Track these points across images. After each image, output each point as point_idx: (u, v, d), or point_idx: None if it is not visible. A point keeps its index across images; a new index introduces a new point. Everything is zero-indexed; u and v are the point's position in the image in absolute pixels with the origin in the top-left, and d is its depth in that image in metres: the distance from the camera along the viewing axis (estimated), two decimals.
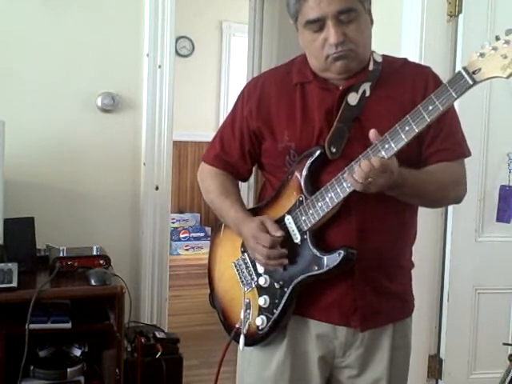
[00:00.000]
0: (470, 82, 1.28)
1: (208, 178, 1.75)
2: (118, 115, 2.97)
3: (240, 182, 1.79)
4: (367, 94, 1.51)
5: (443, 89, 1.31)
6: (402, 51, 2.80)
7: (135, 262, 3.04)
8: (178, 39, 5.77)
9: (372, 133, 1.36)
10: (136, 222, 3.04)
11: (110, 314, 2.49)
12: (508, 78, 1.26)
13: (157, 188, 3.03)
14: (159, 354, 2.72)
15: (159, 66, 3.00)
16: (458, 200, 1.64)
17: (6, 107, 2.76)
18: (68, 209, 2.91)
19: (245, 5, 4.43)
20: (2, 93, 2.80)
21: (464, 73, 1.28)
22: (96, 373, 2.53)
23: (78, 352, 2.50)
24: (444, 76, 2.60)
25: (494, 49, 1.25)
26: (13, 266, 2.42)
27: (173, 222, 5.79)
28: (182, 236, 6.07)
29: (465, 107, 2.81)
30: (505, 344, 2.56)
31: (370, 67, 1.54)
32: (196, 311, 4.22)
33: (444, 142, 1.54)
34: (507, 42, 1.23)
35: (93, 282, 2.45)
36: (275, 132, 1.58)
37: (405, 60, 1.66)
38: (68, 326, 2.39)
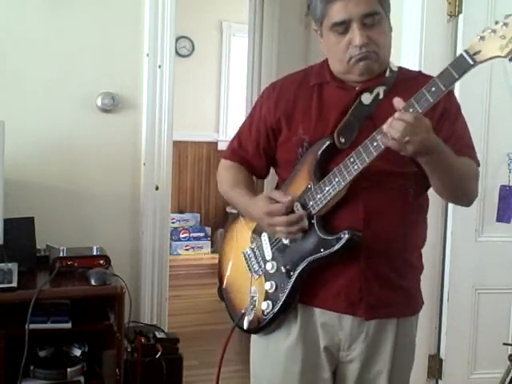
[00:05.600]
0: (471, 62, 1.34)
1: (223, 171, 1.81)
2: (118, 115, 2.97)
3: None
4: (381, 96, 1.57)
5: (446, 71, 1.36)
6: (402, 51, 2.80)
7: (135, 262, 3.05)
8: (178, 39, 5.77)
9: (396, 101, 1.40)
10: (136, 222, 3.04)
11: (110, 314, 2.49)
12: (507, 56, 1.32)
13: (157, 188, 3.03)
14: (159, 354, 2.72)
15: (159, 66, 3.00)
16: (471, 199, 1.63)
17: (6, 107, 2.76)
18: (68, 209, 2.92)
19: (245, 5, 4.43)
20: (2, 93, 2.80)
21: (465, 54, 1.35)
22: (96, 373, 2.53)
23: (78, 352, 2.50)
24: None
25: (493, 31, 1.32)
26: (13, 266, 2.43)
27: (173, 222, 5.79)
28: (182, 236, 6.07)
29: (465, 107, 2.81)
30: (505, 344, 2.56)
31: (387, 74, 1.60)
32: (196, 311, 4.23)
33: (457, 144, 1.56)
34: (505, 24, 1.30)
35: (93, 282, 2.45)
36: (291, 125, 1.64)
37: (419, 72, 1.73)
38: (68, 325, 2.39)
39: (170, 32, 3.01)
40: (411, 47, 2.81)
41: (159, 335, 2.84)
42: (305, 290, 1.58)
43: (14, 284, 2.32)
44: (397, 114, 1.37)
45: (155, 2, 2.97)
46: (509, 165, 2.82)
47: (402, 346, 1.64)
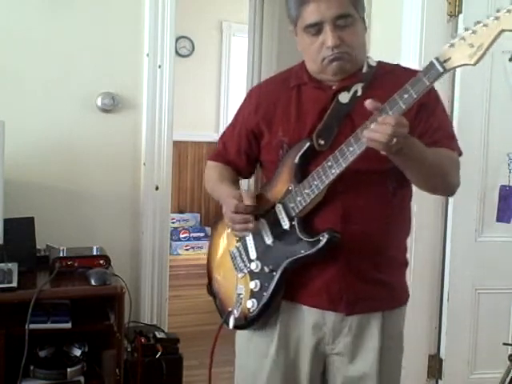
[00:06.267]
0: (441, 70, 1.36)
1: (209, 171, 1.86)
2: (118, 115, 2.97)
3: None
4: (359, 93, 1.60)
5: (417, 77, 1.38)
6: (402, 51, 2.80)
7: (135, 262, 3.05)
8: (178, 39, 5.77)
9: (368, 103, 1.41)
10: (136, 222, 3.04)
11: (110, 314, 2.49)
12: (475, 64, 1.33)
13: (157, 188, 3.03)
14: (159, 353, 2.72)
15: (159, 66, 3.00)
16: (453, 187, 1.64)
17: (6, 107, 2.76)
18: (68, 209, 2.92)
19: (245, 5, 4.43)
20: (2, 93, 2.80)
21: (435, 62, 1.36)
22: (96, 373, 2.53)
23: (78, 352, 2.50)
24: (443, 76, 2.59)
25: (463, 39, 1.33)
26: (13, 266, 2.43)
27: (173, 222, 5.79)
28: (181, 236, 6.07)
29: (465, 107, 2.81)
30: (505, 344, 2.56)
31: (364, 70, 1.63)
32: (196, 311, 4.22)
33: (433, 136, 1.59)
34: (474, 32, 1.32)
35: (93, 282, 2.45)
36: (272, 128, 1.68)
37: (397, 65, 1.74)
38: (68, 326, 2.39)
39: (170, 32, 3.01)
40: (411, 47, 2.81)
41: (159, 335, 2.83)
42: (290, 287, 1.63)
43: (14, 284, 2.32)
44: (379, 119, 1.38)
45: (155, 2, 2.97)
46: (509, 165, 2.82)
47: (389, 338, 1.67)
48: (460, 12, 2.77)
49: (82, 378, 2.46)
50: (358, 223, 1.58)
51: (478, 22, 1.32)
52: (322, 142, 1.57)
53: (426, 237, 2.89)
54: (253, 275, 1.66)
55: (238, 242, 1.72)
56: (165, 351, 2.74)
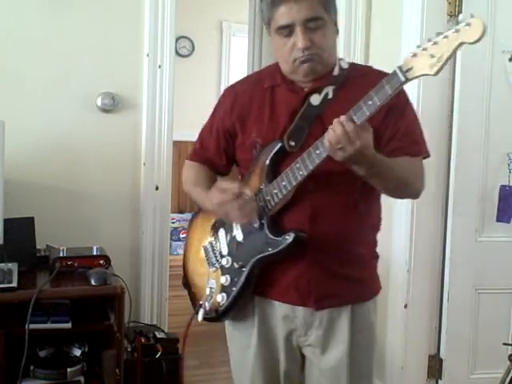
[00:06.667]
0: (403, 79, 1.40)
1: (186, 171, 1.92)
2: (118, 115, 2.97)
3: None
4: (330, 96, 1.64)
5: (381, 85, 1.42)
6: (402, 51, 2.80)
7: (135, 262, 3.05)
8: (178, 39, 5.76)
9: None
10: (136, 222, 3.04)
11: (110, 314, 2.49)
12: (435, 75, 1.36)
13: (157, 188, 3.03)
14: (159, 353, 2.72)
15: (159, 66, 3.00)
16: (416, 193, 1.70)
17: (6, 107, 2.76)
18: (68, 209, 2.92)
19: (245, 5, 4.42)
20: (2, 93, 2.80)
21: (398, 71, 1.40)
22: (96, 373, 2.53)
23: (78, 352, 2.50)
24: (443, 76, 2.62)
25: (424, 49, 1.37)
26: (13, 266, 2.43)
27: (173, 222, 5.77)
28: (182, 236, 6.05)
29: (465, 107, 2.81)
30: (505, 344, 2.55)
31: (336, 72, 1.67)
32: None
33: (401, 141, 1.64)
34: (435, 43, 1.36)
35: (93, 282, 2.45)
36: (246, 128, 1.73)
37: (370, 67, 1.79)
38: (68, 326, 2.39)
39: (170, 32, 3.01)
40: (411, 47, 2.79)
41: (159, 335, 2.83)
42: (262, 283, 1.69)
43: (14, 284, 2.32)
44: (341, 118, 1.43)
45: (155, 2, 2.97)
46: (509, 165, 2.82)
47: (360, 330, 1.71)
48: (460, 12, 2.77)
49: (81, 378, 2.46)
50: (325, 222, 1.63)
51: (439, 34, 1.35)
52: (293, 144, 1.62)
53: (426, 237, 2.89)
54: (224, 270, 1.72)
55: (211, 237, 1.79)
56: (165, 351, 2.75)
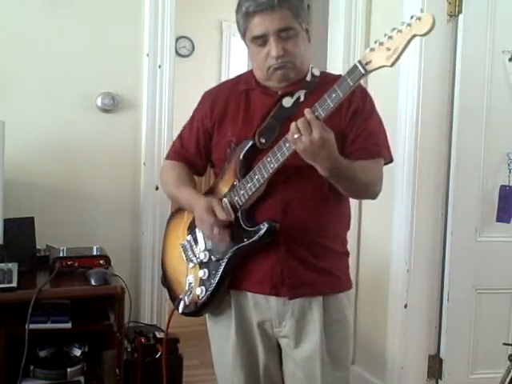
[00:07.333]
0: (362, 71, 1.50)
1: (167, 171, 2.00)
2: (118, 115, 2.97)
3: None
4: (301, 99, 1.76)
5: (343, 79, 1.52)
6: None
7: (135, 261, 3.05)
8: (178, 39, 5.76)
9: (306, 111, 1.55)
10: (136, 222, 3.04)
11: (110, 314, 2.49)
12: (392, 66, 1.48)
13: (157, 188, 3.02)
14: (159, 354, 2.72)
15: (159, 66, 3.00)
16: (374, 195, 1.81)
17: (6, 107, 2.76)
18: (68, 209, 2.91)
19: None
20: (2, 93, 2.80)
21: (358, 64, 1.51)
22: (96, 373, 2.53)
23: (78, 352, 2.50)
24: (443, 76, 2.62)
25: (381, 44, 1.48)
26: (13, 266, 2.43)
27: None
28: None
29: (465, 107, 2.81)
30: (505, 344, 2.55)
31: (308, 78, 1.80)
32: None
33: (364, 142, 1.75)
34: (390, 38, 1.48)
35: (93, 282, 2.45)
36: (221, 128, 1.84)
37: (340, 75, 1.86)
38: (68, 325, 2.39)
39: (170, 32, 3.01)
40: (411, 47, 2.79)
41: (159, 335, 2.83)
42: (236, 276, 1.77)
43: (14, 284, 2.32)
44: (306, 109, 1.54)
45: (155, 2, 2.97)
46: (509, 165, 2.82)
47: (333, 322, 1.78)
48: (460, 12, 2.77)
49: (81, 378, 2.46)
50: (296, 215, 1.73)
51: (394, 29, 1.47)
52: (263, 141, 1.72)
53: (426, 237, 2.89)
54: (202, 265, 1.80)
55: (188, 234, 1.87)
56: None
